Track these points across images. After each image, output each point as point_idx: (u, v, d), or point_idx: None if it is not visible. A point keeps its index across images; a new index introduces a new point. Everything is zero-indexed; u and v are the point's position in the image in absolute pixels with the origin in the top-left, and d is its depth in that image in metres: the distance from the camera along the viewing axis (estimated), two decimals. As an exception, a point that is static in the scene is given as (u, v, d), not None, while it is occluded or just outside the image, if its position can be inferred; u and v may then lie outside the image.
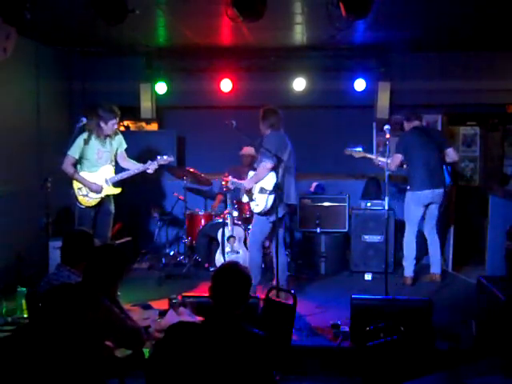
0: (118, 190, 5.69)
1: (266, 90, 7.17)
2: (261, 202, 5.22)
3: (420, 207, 5.99)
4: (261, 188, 5.24)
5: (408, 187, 6.02)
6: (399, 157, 5.98)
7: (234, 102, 7.23)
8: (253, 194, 5.38)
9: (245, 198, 5.67)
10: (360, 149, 6.14)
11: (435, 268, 6.13)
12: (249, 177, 5.51)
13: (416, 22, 5.74)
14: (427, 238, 6.19)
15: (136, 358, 3.06)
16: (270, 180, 5.23)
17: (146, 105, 7.28)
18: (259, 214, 5.28)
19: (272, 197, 5.16)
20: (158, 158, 5.70)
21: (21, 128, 6.17)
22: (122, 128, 5.87)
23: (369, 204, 6.72)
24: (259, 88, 7.19)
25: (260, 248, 5.40)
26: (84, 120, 5.36)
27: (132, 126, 8.05)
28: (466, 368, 3.13)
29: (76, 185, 5.56)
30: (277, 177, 5.12)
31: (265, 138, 5.33)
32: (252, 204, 5.39)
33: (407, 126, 6.13)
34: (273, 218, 5.19)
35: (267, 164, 5.16)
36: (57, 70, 7.10)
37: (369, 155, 6.21)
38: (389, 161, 5.80)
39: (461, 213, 7.27)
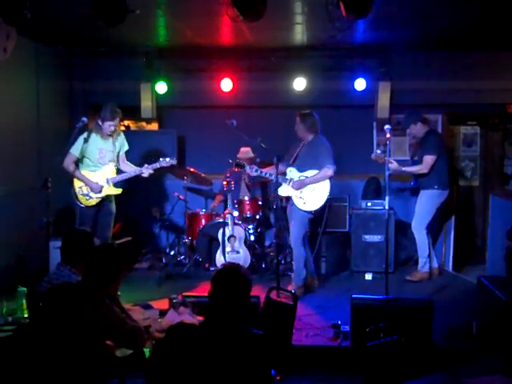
0: (118, 191, 5.69)
1: (266, 89, 7.17)
2: (312, 201, 5.45)
3: (438, 206, 6.11)
4: (314, 188, 5.46)
5: (436, 186, 6.05)
6: (434, 158, 6.02)
7: (233, 101, 7.22)
8: (301, 192, 5.51)
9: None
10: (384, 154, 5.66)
11: (425, 266, 6.22)
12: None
13: (416, 21, 5.73)
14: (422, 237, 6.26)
15: (136, 357, 3.06)
16: (327, 183, 5.47)
17: (147, 104, 7.27)
18: (304, 210, 5.48)
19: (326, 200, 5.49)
20: (161, 159, 5.67)
21: (21, 128, 6.16)
22: (123, 128, 5.85)
23: (369, 204, 6.72)
24: (259, 88, 7.19)
25: (303, 243, 5.61)
26: (85, 120, 5.35)
27: (132, 125, 8.07)
28: (465, 368, 3.12)
29: (77, 183, 5.56)
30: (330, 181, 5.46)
31: (317, 144, 5.51)
32: (298, 201, 5.53)
33: (424, 128, 6.20)
34: (312, 215, 5.55)
35: (330, 171, 5.41)
36: (57, 69, 7.09)
37: (393, 166, 5.67)
38: (417, 168, 6.04)
39: (461, 213, 7.27)
